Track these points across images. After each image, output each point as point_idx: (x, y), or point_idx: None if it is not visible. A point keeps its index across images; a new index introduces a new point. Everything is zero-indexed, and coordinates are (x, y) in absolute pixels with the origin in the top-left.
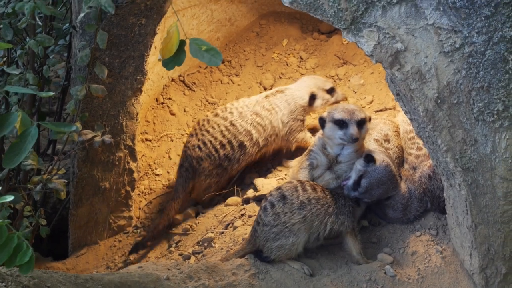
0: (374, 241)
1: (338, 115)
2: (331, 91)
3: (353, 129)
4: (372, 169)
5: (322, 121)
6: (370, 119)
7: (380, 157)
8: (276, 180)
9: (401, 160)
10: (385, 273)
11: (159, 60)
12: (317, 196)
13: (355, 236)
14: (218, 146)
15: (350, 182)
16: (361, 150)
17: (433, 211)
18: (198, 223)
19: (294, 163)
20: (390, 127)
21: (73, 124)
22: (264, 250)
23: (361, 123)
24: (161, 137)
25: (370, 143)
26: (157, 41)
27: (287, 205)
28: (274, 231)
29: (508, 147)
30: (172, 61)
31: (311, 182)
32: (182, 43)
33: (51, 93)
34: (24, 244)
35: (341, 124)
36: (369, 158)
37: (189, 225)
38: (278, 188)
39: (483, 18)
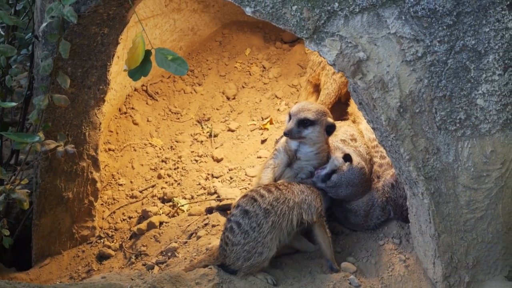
0: (338, 250)
1: (292, 109)
2: None
3: (289, 124)
4: (348, 168)
5: None
6: (329, 126)
7: (358, 160)
8: (240, 189)
9: (370, 158)
10: (349, 283)
11: (124, 70)
12: (275, 196)
13: (323, 228)
14: None
15: (323, 172)
16: (323, 153)
17: (396, 220)
18: (162, 233)
19: (259, 166)
20: (354, 129)
21: (35, 135)
22: (232, 266)
23: (305, 123)
24: (124, 147)
25: (337, 144)
26: (120, 50)
27: (253, 218)
28: (245, 249)
29: (471, 156)
30: (138, 71)
31: (263, 186)
32: (147, 53)
33: (14, 103)
34: None
35: (289, 117)
36: (347, 158)
37: (152, 234)
38: (237, 206)
39: (445, 27)
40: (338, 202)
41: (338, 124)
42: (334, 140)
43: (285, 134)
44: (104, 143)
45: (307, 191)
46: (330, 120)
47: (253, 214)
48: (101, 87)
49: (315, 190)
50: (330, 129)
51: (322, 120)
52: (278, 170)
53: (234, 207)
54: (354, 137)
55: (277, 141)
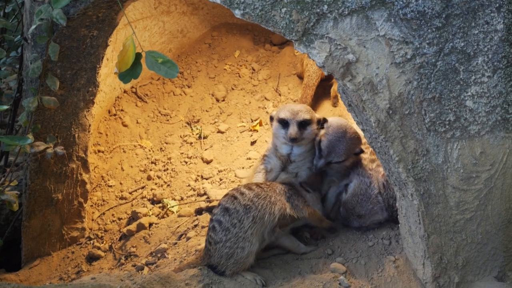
0: (328, 252)
1: (282, 114)
2: None
3: (292, 129)
4: (327, 128)
5: (271, 120)
6: (321, 121)
7: (333, 118)
8: (229, 190)
9: None
10: (339, 284)
11: (115, 73)
12: (256, 193)
13: (312, 212)
14: None
15: (316, 154)
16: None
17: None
18: (152, 234)
19: (249, 171)
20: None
21: (27, 137)
22: (219, 266)
23: (304, 124)
24: (113, 148)
25: None
26: (109, 52)
27: (233, 215)
28: (227, 245)
29: (460, 157)
30: (128, 74)
31: (245, 184)
32: (138, 56)
33: (6, 107)
34: None
35: (284, 123)
36: (322, 121)
37: (142, 235)
38: (218, 205)
39: (434, 29)
40: (346, 212)
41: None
42: None
43: (292, 140)
44: (93, 144)
45: (289, 191)
46: (318, 115)
47: (233, 211)
48: (90, 89)
49: (296, 189)
50: (321, 124)
51: (315, 117)
52: (271, 174)
53: (216, 207)
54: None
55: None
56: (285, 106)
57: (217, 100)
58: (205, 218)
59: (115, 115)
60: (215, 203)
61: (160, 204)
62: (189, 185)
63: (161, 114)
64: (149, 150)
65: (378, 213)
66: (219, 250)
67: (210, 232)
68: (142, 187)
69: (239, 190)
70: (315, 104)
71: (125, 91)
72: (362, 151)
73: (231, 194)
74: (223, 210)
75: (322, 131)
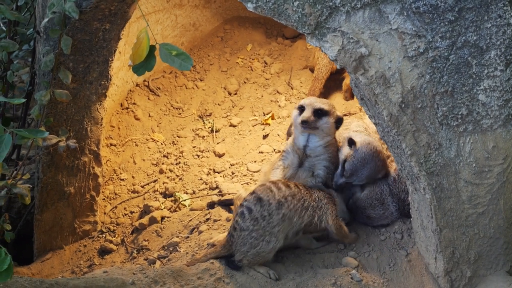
0: (341, 247)
1: (302, 102)
2: None
3: (306, 113)
4: (354, 151)
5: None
6: (339, 119)
7: (361, 139)
8: (242, 184)
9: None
10: (351, 278)
11: (129, 65)
12: (292, 192)
13: (339, 226)
14: None
15: (338, 170)
16: (331, 147)
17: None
18: (164, 227)
19: (265, 166)
20: (367, 124)
21: (44, 131)
22: (237, 254)
23: (319, 113)
24: (125, 142)
25: (348, 133)
26: (121, 46)
27: (265, 207)
28: (253, 235)
29: (472, 151)
30: (142, 66)
31: (283, 180)
32: (152, 48)
33: (23, 100)
34: (3, 252)
35: (301, 109)
36: (350, 142)
37: (154, 229)
38: (252, 193)
39: (446, 23)
40: (355, 208)
41: (349, 119)
42: (345, 133)
43: (303, 122)
44: (106, 138)
45: (324, 199)
46: (339, 113)
47: (266, 203)
48: (102, 82)
49: (332, 199)
50: (338, 123)
51: (334, 112)
52: (289, 171)
53: (250, 193)
54: (368, 130)
55: (288, 132)
56: (309, 97)
57: (229, 94)
58: (217, 211)
59: (127, 108)
60: (227, 197)
61: (172, 198)
62: (201, 179)
63: (173, 108)
64: (161, 144)
65: (387, 218)
66: (244, 238)
67: (238, 218)
68: (154, 181)
69: (277, 185)
70: (326, 97)
71: (137, 85)
72: (386, 175)
73: (268, 186)
74: (256, 199)
75: (349, 151)
